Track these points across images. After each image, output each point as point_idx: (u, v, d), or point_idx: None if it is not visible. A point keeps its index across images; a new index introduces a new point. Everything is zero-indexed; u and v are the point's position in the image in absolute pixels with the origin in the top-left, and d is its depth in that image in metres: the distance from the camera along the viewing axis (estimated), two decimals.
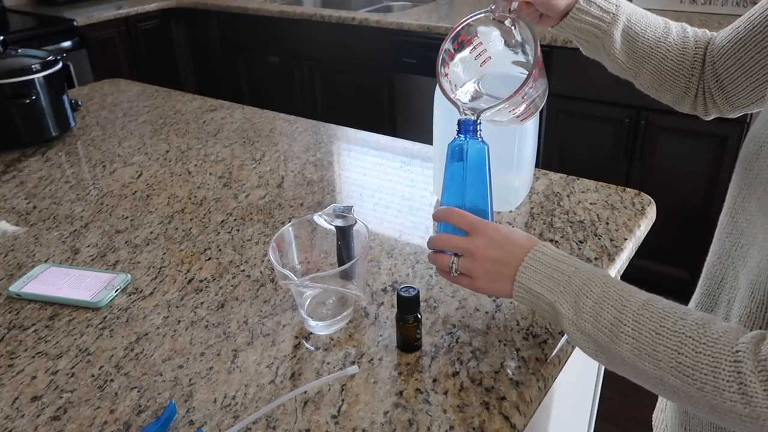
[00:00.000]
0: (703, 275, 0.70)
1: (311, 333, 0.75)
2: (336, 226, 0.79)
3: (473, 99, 0.76)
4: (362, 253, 0.74)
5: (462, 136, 0.72)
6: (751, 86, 0.73)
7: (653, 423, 0.84)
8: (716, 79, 0.76)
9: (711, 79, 0.77)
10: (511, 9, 0.72)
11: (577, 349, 0.65)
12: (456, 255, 0.68)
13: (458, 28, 0.73)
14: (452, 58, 0.74)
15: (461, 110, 0.73)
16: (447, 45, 0.74)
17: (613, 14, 0.76)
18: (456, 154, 0.73)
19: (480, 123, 0.73)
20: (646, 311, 0.56)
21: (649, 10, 0.79)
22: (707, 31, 0.79)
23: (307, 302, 0.79)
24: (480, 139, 0.72)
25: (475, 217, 0.69)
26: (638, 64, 0.78)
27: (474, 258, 0.67)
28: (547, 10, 0.76)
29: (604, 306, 0.58)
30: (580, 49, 0.82)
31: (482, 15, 0.73)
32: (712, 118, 0.82)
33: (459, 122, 0.72)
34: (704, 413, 0.54)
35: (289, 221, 1.00)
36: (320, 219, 0.79)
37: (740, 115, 0.79)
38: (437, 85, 0.77)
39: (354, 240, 0.79)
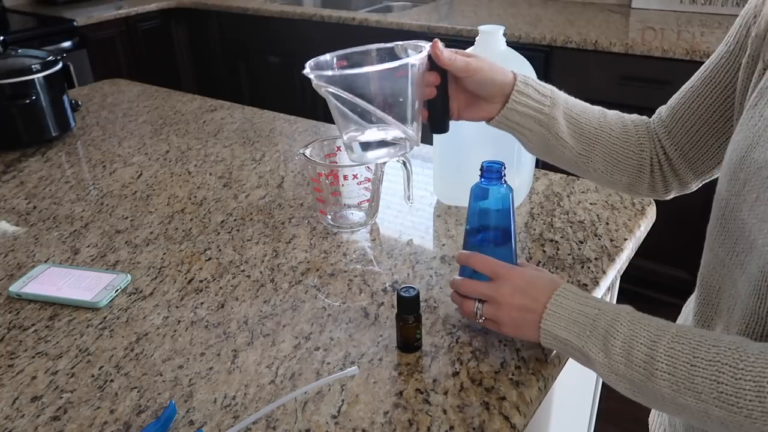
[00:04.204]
0: (698, 286, 0.68)
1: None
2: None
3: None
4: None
5: (485, 180, 0.71)
6: (717, 142, 0.71)
7: (650, 424, 0.84)
8: (675, 145, 0.75)
9: (670, 148, 0.75)
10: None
11: None
12: (480, 301, 0.68)
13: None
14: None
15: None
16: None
17: (551, 97, 0.73)
18: (479, 196, 0.72)
19: (505, 168, 0.70)
20: (677, 344, 0.55)
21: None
22: (638, 115, 0.79)
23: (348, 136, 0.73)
24: (504, 184, 0.71)
25: (499, 262, 0.69)
26: (588, 147, 0.76)
27: (499, 305, 0.67)
28: (480, 88, 0.71)
29: (634, 344, 0.57)
30: (524, 145, 0.77)
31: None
32: (671, 196, 0.81)
33: (482, 167, 0.70)
34: None
35: (290, 221, 1.00)
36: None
37: (700, 186, 0.78)
38: None
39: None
